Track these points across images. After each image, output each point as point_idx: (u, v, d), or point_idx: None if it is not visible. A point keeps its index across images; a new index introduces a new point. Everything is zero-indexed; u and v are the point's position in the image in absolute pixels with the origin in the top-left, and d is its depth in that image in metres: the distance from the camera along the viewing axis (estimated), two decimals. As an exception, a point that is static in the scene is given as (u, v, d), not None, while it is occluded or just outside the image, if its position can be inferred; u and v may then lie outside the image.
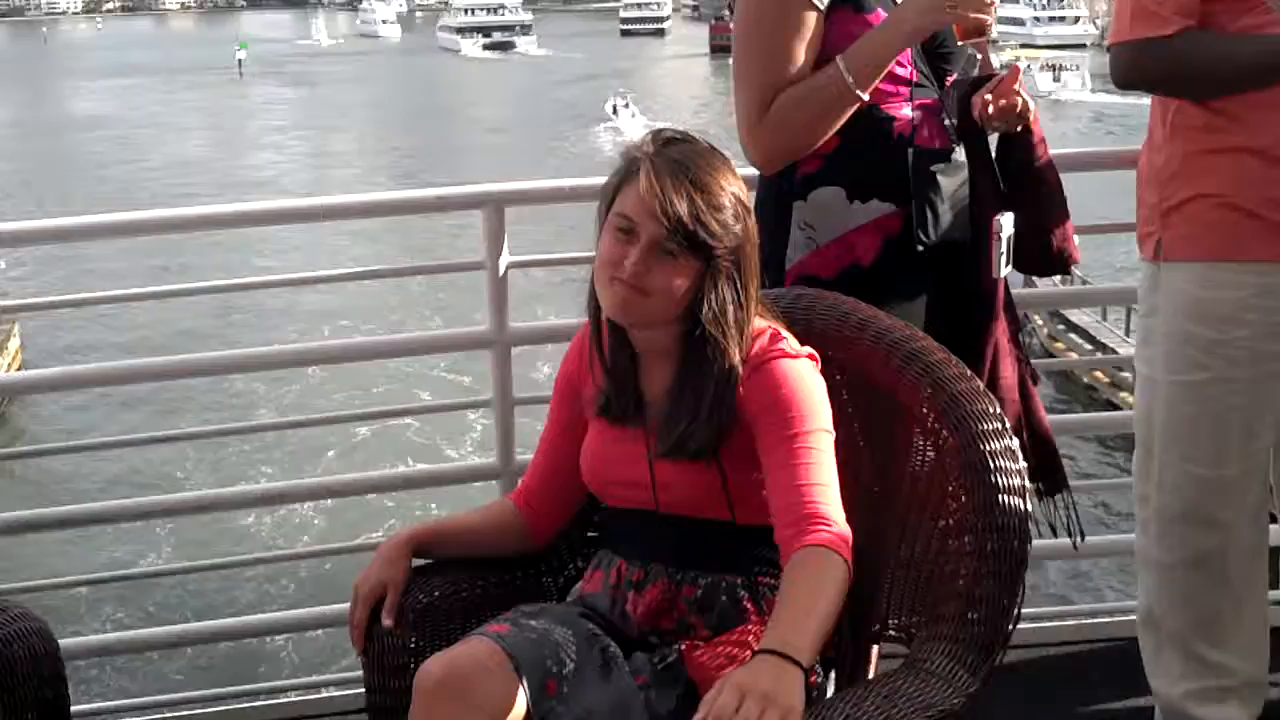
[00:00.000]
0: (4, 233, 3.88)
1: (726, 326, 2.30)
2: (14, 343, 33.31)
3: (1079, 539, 3.22)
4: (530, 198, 4.02)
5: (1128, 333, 25.92)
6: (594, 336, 2.46)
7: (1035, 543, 2.41)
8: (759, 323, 2.38)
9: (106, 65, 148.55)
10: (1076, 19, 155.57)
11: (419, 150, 75.63)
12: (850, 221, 2.79)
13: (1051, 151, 3.07)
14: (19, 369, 31.36)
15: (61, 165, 68.51)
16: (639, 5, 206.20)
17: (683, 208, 2.23)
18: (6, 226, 3.88)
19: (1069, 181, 3.16)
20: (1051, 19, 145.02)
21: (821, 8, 2.71)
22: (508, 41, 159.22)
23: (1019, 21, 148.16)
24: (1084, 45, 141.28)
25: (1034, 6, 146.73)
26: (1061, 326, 31.94)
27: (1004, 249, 2.83)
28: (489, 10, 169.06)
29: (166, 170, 66.88)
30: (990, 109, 2.76)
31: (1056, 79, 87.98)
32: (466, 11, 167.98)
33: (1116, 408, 22.90)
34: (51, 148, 76.11)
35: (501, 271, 3.74)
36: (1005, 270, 2.87)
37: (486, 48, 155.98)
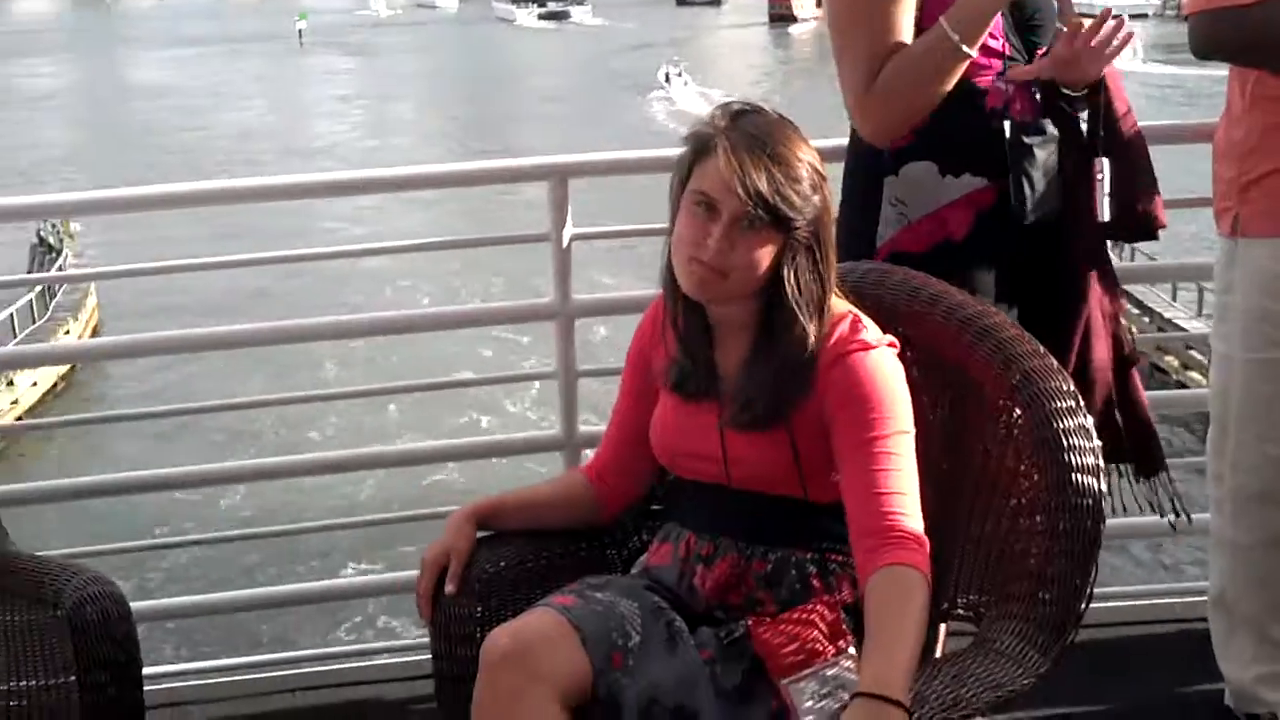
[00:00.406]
0: (82, 202, 4.08)
1: (806, 301, 2.29)
2: (91, 301, 33.89)
3: (1182, 518, 3.14)
4: (594, 169, 4.00)
5: (1199, 312, 25.48)
6: (669, 310, 2.44)
7: (1113, 521, 2.37)
8: (839, 305, 2.36)
9: (169, 35, 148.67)
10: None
11: (476, 118, 76.46)
12: (942, 196, 2.75)
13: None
14: (95, 331, 31.98)
15: (129, 132, 69.40)
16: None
17: (762, 181, 2.21)
18: (84, 196, 4.08)
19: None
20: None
21: None
22: (563, 11, 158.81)
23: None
24: (1145, 15, 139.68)
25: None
26: (1131, 308, 31.31)
27: (1107, 191, 2.79)
28: None
29: (231, 138, 67.54)
30: (1076, 45, 2.70)
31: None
32: None
33: (1186, 388, 22.33)
34: (118, 116, 77.17)
35: (566, 243, 3.72)
36: (1109, 214, 2.82)
37: (541, 17, 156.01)
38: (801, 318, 2.29)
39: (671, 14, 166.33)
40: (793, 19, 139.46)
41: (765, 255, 2.26)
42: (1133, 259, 19.71)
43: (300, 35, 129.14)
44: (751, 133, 2.26)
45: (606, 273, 29.11)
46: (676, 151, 2.34)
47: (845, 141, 3.01)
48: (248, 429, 24.39)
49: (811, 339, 2.29)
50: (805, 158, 2.28)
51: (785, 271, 2.27)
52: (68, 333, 30.87)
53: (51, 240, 36.99)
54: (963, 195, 2.75)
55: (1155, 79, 76.28)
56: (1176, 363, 26.98)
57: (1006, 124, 2.75)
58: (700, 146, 2.30)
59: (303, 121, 75.39)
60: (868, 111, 2.71)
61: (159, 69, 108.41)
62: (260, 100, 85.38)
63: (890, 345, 2.34)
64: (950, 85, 2.65)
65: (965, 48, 2.61)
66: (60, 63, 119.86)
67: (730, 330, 2.39)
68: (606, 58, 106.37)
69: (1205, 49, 3.01)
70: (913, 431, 2.30)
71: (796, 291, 2.28)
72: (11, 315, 29.03)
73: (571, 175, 3.74)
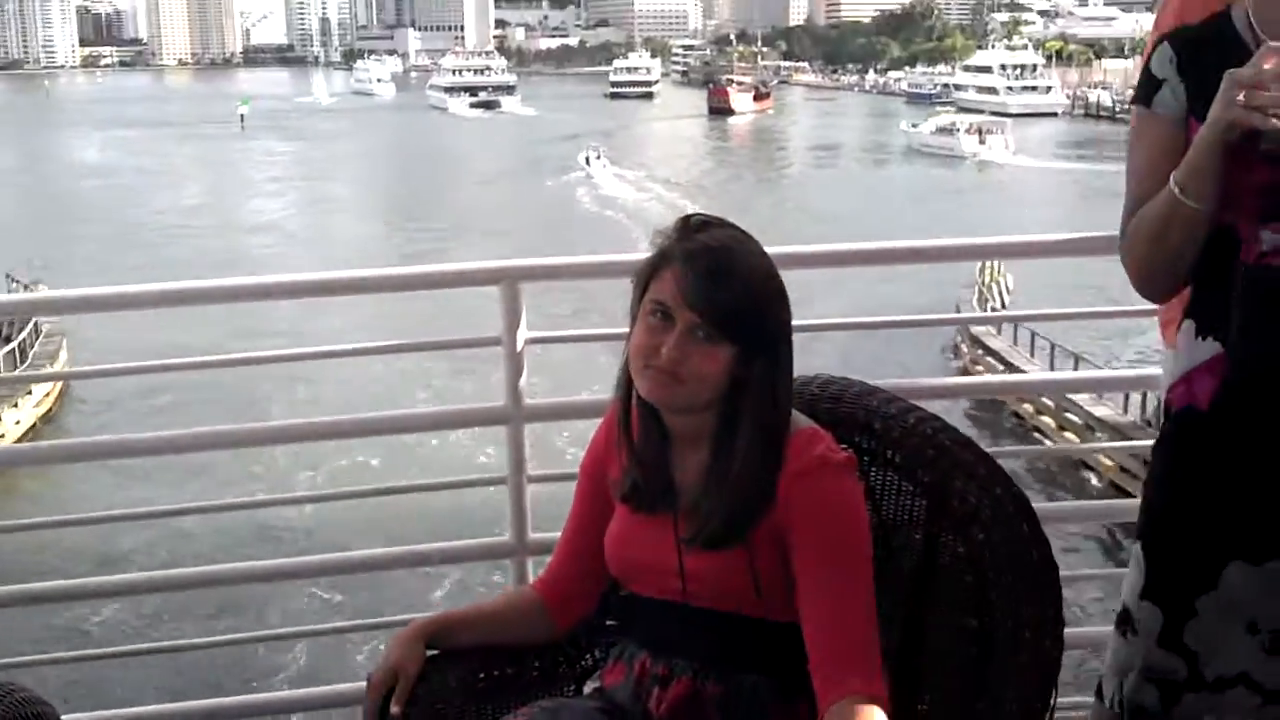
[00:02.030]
0: (43, 301, 4.30)
1: (762, 416, 2.22)
2: (63, 355, 33.30)
3: None
4: (546, 273, 3.98)
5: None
6: (622, 420, 2.36)
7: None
8: (799, 419, 2.29)
9: (109, 118, 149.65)
10: (1049, 89, 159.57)
11: (408, 197, 77.01)
12: (1195, 358, 2.45)
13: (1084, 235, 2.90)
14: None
15: (68, 209, 68.71)
16: (629, 70, 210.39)
17: (718, 293, 2.17)
18: (48, 296, 3.98)
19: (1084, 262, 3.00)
20: (1024, 88, 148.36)
21: (1170, 114, 2.42)
22: (493, 101, 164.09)
23: (992, 90, 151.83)
24: (1055, 114, 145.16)
25: (1007, 76, 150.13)
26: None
27: None
28: (475, 71, 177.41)
29: (173, 213, 67.69)
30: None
31: (982, 142, 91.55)
32: (454, 72, 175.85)
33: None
34: (57, 193, 76.44)
35: (519, 347, 3.67)
36: None
37: (473, 106, 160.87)
38: (758, 433, 2.21)
39: (602, 105, 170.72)
40: (730, 112, 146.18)
41: (719, 367, 2.20)
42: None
43: (242, 119, 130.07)
44: (710, 244, 2.21)
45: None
46: (627, 257, 2.24)
47: (801, 248, 2.93)
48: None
49: (769, 455, 2.21)
50: (762, 272, 2.23)
51: (741, 384, 2.21)
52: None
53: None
54: (1207, 359, 2.44)
55: (1027, 170, 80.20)
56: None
57: (1255, 277, 2.39)
58: (659, 258, 2.25)
59: (244, 199, 75.22)
60: (1123, 263, 2.49)
61: (101, 149, 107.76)
62: (202, 179, 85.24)
63: (849, 461, 2.27)
64: (1185, 240, 2.35)
65: (1184, 198, 2.31)
66: None
67: (687, 442, 2.31)
68: (535, 144, 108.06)
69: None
70: (871, 555, 2.23)
71: (755, 405, 2.21)
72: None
73: (524, 279, 3.70)
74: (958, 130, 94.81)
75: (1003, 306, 36.03)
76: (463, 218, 66.66)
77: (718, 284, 2.18)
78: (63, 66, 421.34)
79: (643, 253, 2.35)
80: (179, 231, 60.59)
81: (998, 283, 38.20)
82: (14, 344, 31.45)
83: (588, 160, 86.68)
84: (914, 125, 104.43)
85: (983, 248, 8.62)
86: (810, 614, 2.17)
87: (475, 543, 4.08)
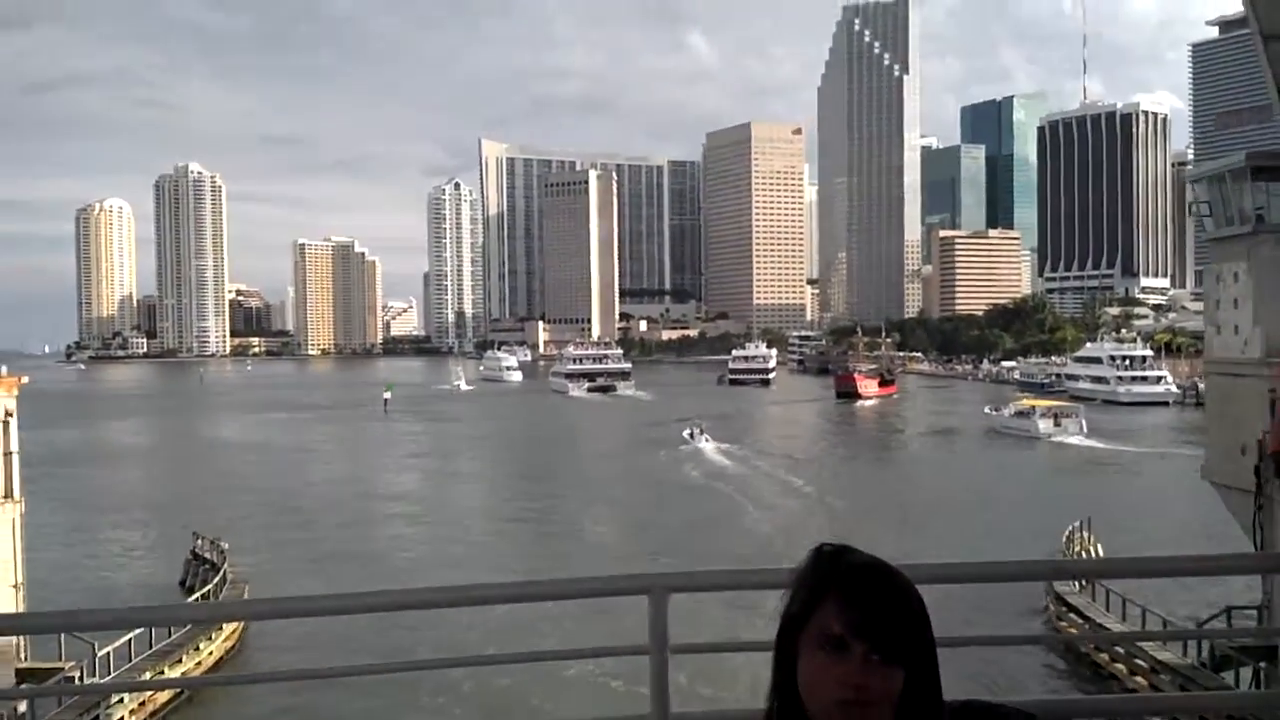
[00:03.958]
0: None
1: None
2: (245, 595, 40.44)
3: None
4: (694, 584, 4.03)
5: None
6: None
7: None
8: None
9: (261, 402, 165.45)
10: (1160, 378, 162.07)
11: (529, 471, 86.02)
12: None
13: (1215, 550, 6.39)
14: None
15: (236, 480, 77.69)
16: (746, 358, 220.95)
17: (889, 617, 2.28)
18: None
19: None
20: (1134, 378, 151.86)
21: None
22: (609, 385, 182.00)
23: (1103, 380, 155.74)
24: (1166, 403, 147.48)
25: (1117, 366, 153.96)
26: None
27: None
28: (594, 360, 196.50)
29: (324, 484, 75.30)
30: None
31: (1058, 424, 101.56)
32: (575, 361, 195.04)
33: None
34: (225, 468, 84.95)
35: (665, 656, 3.72)
36: None
37: (590, 390, 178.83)
38: None
39: (718, 391, 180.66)
40: (858, 396, 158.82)
41: (897, 688, 2.28)
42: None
43: (385, 404, 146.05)
44: (863, 569, 2.34)
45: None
46: (773, 567, 2.58)
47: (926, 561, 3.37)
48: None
49: None
50: (914, 590, 2.35)
51: (908, 703, 2.29)
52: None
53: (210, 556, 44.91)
54: None
55: (1097, 451, 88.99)
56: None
57: None
58: (815, 588, 2.34)
59: (380, 474, 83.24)
60: None
61: (260, 430, 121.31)
62: (349, 456, 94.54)
63: None
64: None
65: None
66: (153, 423, 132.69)
67: None
68: (649, 426, 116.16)
69: None
70: None
71: None
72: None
73: (673, 590, 3.77)
74: (1034, 414, 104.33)
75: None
76: (579, 487, 75.03)
77: (887, 608, 2.29)
78: (213, 355, 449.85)
79: (784, 565, 2.51)
80: (329, 499, 68.15)
81: (1085, 551, 43.01)
82: (209, 588, 38.20)
83: (691, 435, 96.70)
84: (996, 409, 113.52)
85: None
86: None
87: None
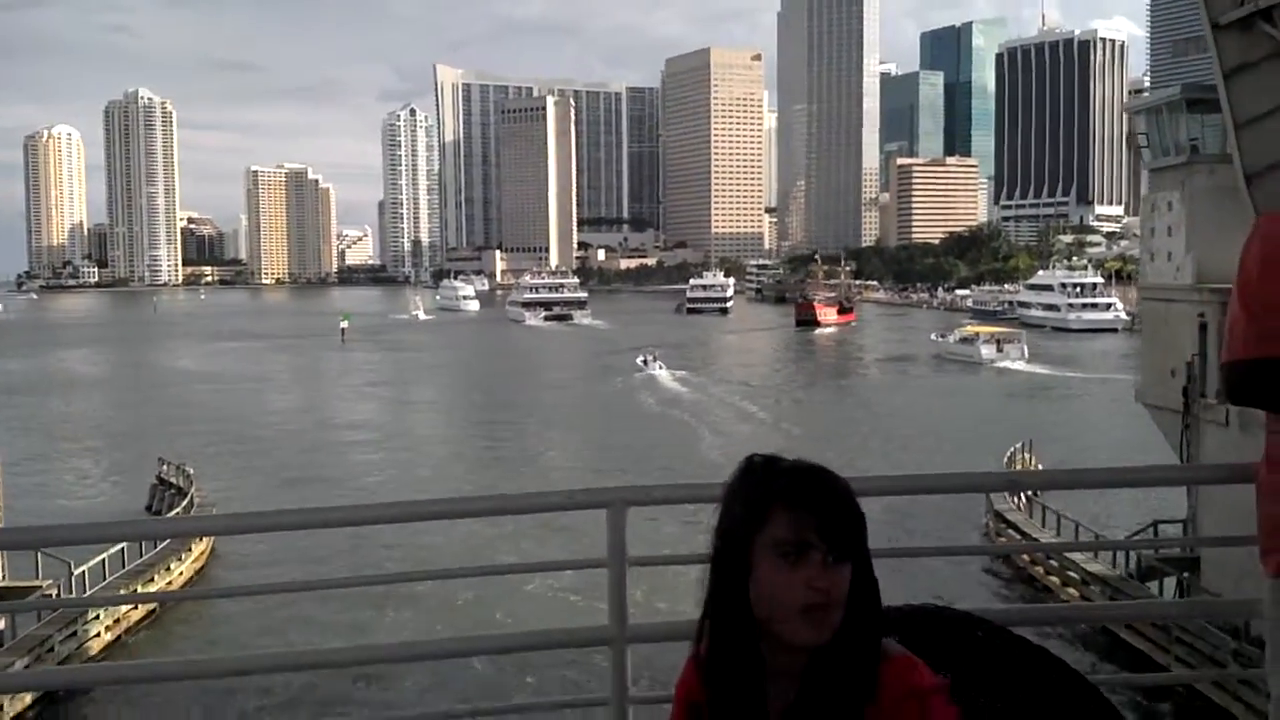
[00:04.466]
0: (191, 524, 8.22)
1: (864, 636, 2.27)
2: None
3: None
4: (651, 498, 4.05)
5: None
6: (721, 661, 2.35)
7: None
8: (891, 646, 2.33)
9: (216, 331, 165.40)
10: (1109, 305, 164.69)
11: (487, 399, 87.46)
12: None
13: (1145, 462, 5.15)
14: None
15: (193, 410, 77.65)
16: (704, 286, 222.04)
17: (837, 516, 2.26)
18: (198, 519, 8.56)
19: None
20: (1085, 305, 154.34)
21: None
22: (566, 314, 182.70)
23: (1054, 308, 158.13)
24: (1115, 330, 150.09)
25: (1067, 294, 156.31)
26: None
27: None
28: (550, 289, 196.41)
29: (283, 414, 75.90)
30: None
31: (1000, 350, 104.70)
32: (532, 290, 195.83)
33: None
34: (180, 398, 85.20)
35: (624, 570, 3.74)
36: None
37: (547, 319, 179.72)
38: (855, 660, 2.25)
39: (675, 319, 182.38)
40: (817, 324, 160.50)
41: (847, 588, 2.25)
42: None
43: (343, 334, 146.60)
44: (806, 473, 2.30)
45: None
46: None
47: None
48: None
49: (861, 684, 2.24)
50: (850, 490, 2.33)
51: (853, 603, 2.26)
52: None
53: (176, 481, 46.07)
54: None
55: (1037, 376, 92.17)
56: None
57: None
58: (760, 497, 2.29)
59: (343, 402, 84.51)
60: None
61: (213, 359, 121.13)
62: (306, 386, 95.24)
63: (943, 685, 2.28)
64: None
65: None
66: (108, 352, 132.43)
67: (782, 679, 2.32)
68: (605, 354, 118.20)
69: (1242, 395, 3.01)
70: None
71: (860, 624, 2.25)
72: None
73: (631, 503, 3.80)
74: (977, 340, 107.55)
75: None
76: (535, 414, 76.89)
77: (837, 509, 2.27)
78: (165, 284, 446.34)
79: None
80: (287, 428, 69.06)
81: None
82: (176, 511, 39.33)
83: (645, 362, 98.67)
84: (942, 335, 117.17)
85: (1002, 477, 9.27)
86: None
87: (574, 627, 4.66)
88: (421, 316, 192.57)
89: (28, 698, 24.67)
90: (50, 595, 27.86)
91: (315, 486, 48.51)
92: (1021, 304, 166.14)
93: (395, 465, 55.72)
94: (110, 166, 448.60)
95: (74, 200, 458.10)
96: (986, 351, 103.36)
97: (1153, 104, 32.44)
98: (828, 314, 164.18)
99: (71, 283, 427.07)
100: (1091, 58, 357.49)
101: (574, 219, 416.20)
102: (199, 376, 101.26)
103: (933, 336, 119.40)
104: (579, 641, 4.63)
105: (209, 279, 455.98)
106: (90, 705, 25.77)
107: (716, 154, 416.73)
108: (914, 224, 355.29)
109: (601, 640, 3.84)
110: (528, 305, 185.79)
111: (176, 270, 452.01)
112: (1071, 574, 33.92)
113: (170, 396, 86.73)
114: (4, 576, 30.13)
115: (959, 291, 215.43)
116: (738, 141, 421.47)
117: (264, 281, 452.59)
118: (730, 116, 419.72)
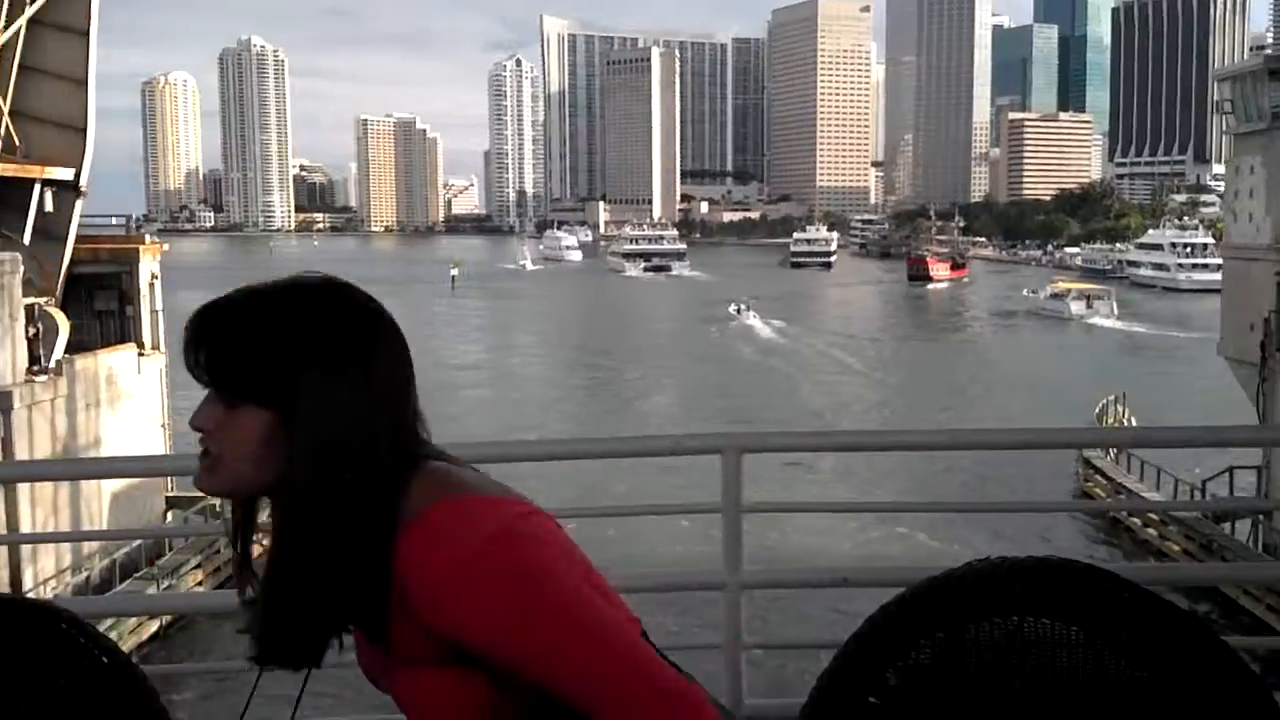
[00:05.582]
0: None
1: (330, 492, 1.91)
2: None
3: None
4: (767, 445, 4.16)
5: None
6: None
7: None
8: (429, 490, 1.96)
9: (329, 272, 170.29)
10: (1219, 266, 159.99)
11: (587, 343, 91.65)
12: None
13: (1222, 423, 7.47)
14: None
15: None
16: (808, 241, 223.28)
17: (208, 348, 1.95)
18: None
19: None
20: (1195, 265, 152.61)
21: None
22: (665, 265, 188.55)
23: (1164, 267, 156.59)
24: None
25: (1177, 253, 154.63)
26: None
27: None
28: (650, 240, 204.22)
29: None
30: None
31: (1089, 306, 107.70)
32: (632, 241, 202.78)
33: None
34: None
35: (739, 516, 3.75)
36: None
37: (646, 270, 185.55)
38: (320, 518, 1.84)
39: (778, 273, 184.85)
40: (929, 279, 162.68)
41: (249, 434, 1.89)
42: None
43: (453, 281, 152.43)
44: (200, 314, 1.98)
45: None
46: (843, 429, 6.11)
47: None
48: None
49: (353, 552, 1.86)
50: (256, 320, 1.95)
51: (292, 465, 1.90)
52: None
53: None
54: None
55: (1127, 334, 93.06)
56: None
57: None
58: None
59: (453, 345, 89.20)
60: None
61: None
62: (417, 330, 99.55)
63: (523, 514, 1.95)
64: None
65: None
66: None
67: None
68: (705, 304, 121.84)
69: None
70: (578, 595, 1.88)
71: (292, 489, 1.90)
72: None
73: (746, 450, 3.78)
74: (1067, 297, 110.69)
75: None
76: (633, 358, 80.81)
77: (204, 341, 1.93)
78: (279, 230, 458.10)
79: (866, 428, 5.91)
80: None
81: (1119, 423, 46.70)
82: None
83: (738, 310, 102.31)
84: (1034, 291, 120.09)
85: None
86: (573, 702, 1.82)
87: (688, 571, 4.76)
88: (529, 266, 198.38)
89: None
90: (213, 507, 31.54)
91: (433, 424, 51.97)
92: (1131, 263, 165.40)
93: (506, 404, 59.71)
94: (224, 113, 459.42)
95: (190, 146, 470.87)
96: (1076, 307, 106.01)
97: (1237, 71, 34.42)
98: (940, 269, 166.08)
99: (188, 227, 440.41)
100: (1211, 11, 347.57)
101: (677, 171, 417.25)
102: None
103: (1025, 293, 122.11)
104: (692, 585, 4.47)
105: (320, 225, 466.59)
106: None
107: (822, 106, 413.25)
108: (1025, 180, 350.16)
109: (715, 585, 3.81)
110: (628, 256, 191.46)
111: (289, 216, 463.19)
112: (1152, 514, 36.62)
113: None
114: (174, 488, 33.98)
115: (1069, 250, 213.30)
116: (844, 94, 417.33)
117: (373, 229, 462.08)
118: (837, 68, 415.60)
